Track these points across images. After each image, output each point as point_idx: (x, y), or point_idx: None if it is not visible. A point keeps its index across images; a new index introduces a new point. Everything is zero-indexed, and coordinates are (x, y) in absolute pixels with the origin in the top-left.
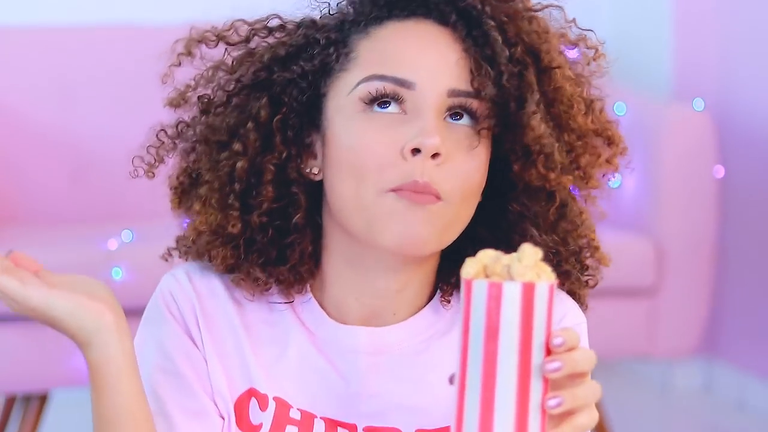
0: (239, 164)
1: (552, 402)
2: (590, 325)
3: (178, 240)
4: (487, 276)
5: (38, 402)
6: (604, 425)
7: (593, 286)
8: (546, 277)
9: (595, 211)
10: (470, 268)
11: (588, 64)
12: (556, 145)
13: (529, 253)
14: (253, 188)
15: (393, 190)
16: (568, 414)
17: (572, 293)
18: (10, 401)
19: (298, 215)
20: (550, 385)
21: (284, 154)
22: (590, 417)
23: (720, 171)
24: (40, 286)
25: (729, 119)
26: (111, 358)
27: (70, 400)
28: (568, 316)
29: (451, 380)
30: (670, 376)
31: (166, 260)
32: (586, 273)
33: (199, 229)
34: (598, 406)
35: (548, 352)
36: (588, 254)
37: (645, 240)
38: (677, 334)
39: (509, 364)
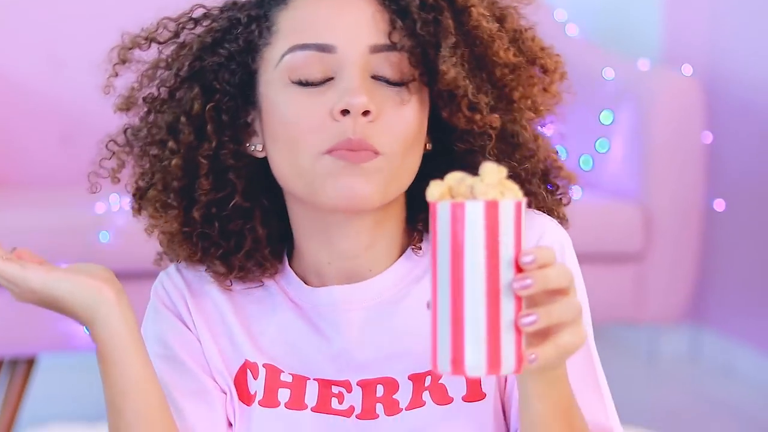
0: (173, 162)
1: (525, 320)
2: None
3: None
4: (452, 197)
5: (25, 366)
6: None
7: (567, 204)
8: (512, 195)
9: (555, 134)
10: (434, 190)
11: None
12: (471, 86)
13: (491, 171)
14: (192, 184)
15: (328, 152)
16: (550, 333)
17: (548, 211)
18: None
19: (235, 200)
20: (527, 303)
21: (214, 143)
22: (575, 336)
23: (708, 137)
24: (39, 268)
25: (717, 85)
26: (115, 332)
27: (57, 363)
28: (547, 234)
29: (428, 305)
30: (656, 343)
31: (159, 265)
32: (558, 192)
33: (161, 232)
34: None
35: (520, 270)
36: (554, 175)
37: (633, 206)
38: (664, 300)
39: (476, 284)
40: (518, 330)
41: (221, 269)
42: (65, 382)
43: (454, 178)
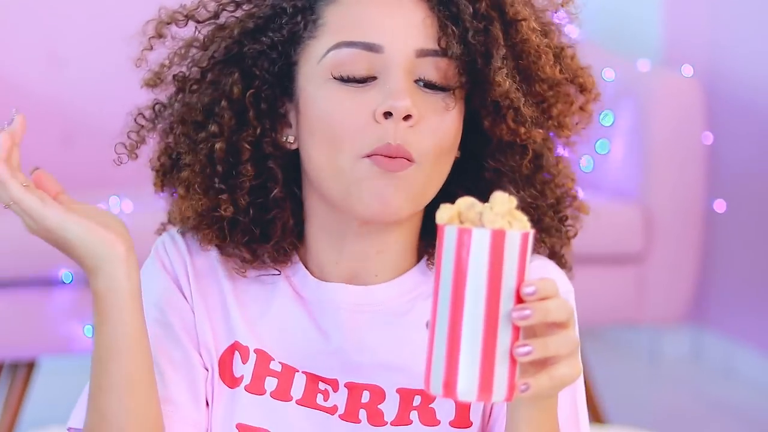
0: (217, 146)
1: (520, 350)
2: (578, 292)
3: (170, 215)
4: (461, 222)
5: (26, 369)
6: (592, 393)
7: (574, 236)
8: (520, 226)
9: (574, 159)
10: (444, 213)
11: (557, 10)
12: (522, 99)
13: (501, 201)
14: (232, 168)
15: (368, 156)
16: (546, 363)
17: (554, 254)
18: None
19: (276, 189)
20: (525, 333)
21: (258, 130)
22: (571, 368)
23: (708, 137)
24: (58, 207)
25: (718, 86)
26: (117, 288)
27: (57, 367)
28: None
29: (427, 325)
30: (658, 344)
31: (160, 235)
32: (566, 224)
33: (185, 213)
34: (586, 374)
35: (521, 300)
36: (566, 204)
37: (633, 206)
38: (665, 301)
39: (476, 310)
40: (513, 359)
41: (247, 256)
42: (66, 386)
43: (465, 203)
